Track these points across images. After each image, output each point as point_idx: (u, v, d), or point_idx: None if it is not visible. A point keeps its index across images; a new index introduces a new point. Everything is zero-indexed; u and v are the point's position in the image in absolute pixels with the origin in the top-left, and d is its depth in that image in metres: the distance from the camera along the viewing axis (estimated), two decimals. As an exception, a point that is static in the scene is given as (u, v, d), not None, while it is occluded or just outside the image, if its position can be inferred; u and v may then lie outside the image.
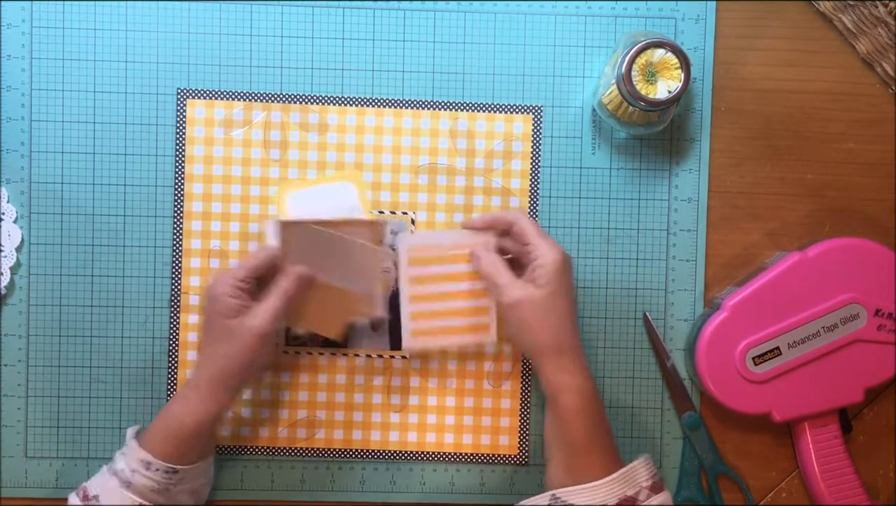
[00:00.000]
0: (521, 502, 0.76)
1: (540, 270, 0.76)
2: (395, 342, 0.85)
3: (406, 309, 0.82)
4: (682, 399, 0.86)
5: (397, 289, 0.84)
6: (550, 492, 0.74)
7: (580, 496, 0.73)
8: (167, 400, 0.85)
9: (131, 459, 0.75)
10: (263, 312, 0.76)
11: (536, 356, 0.77)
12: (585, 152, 0.86)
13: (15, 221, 0.84)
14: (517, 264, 0.80)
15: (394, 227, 0.85)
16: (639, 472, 0.74)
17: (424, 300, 0.82)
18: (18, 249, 0.84)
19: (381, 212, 0.85)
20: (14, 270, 0.84)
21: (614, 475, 0.73)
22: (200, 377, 0.77)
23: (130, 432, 0.78)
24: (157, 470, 0.75)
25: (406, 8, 0.85)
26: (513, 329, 0.78)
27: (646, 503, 0.73)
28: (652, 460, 0.76)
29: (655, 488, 0.74)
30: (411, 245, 0.82)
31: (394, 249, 0.85)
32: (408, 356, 0.85)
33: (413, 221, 0.85)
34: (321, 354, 0.85)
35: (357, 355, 0.85)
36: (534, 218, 0.86)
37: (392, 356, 0.85)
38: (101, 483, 0.75)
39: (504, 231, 0.81)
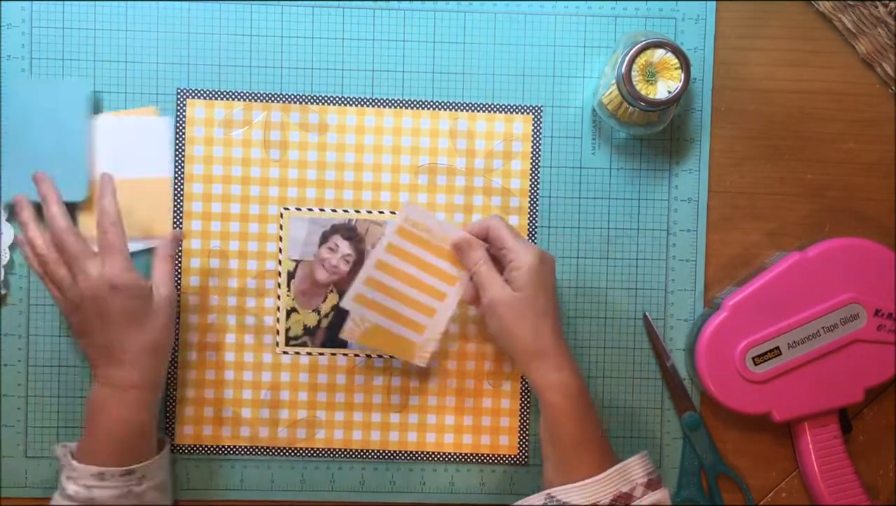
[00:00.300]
0: (517, 503, 0.76)
1: (515, 272, 0.76)
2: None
3: (366, 272, 0.80)
4: (682, 399, 0.86)
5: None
6: (545, 492, 0.74)
7: (573, 495, 0.73)
8: (167, 400, 0.85)
9: (81, 478, 0.74)
10: (165, 280, 0.78)
11: (517, 357, 0.77)
12: (585, 152, 0.86)
13: (8, 220, 0.84)
14: (500, 270, 0.79)
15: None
16: (633, 469, 0.74)
17: (388, 274, 0.81)
18: (12, 248, 0.84)
19: (382, 212, 0.85)
20: (8, 268, 0.84)
21: (607, 472, 0.73)
22: (136, 375, 0.75)
23: (62, 452, 0.77)
24: (113, 476, 0.75)
25: (406, 8, 0.85)
26: (493, 330, 0.78)
27: (640, 501, 0.73)
28: (649, 457, 0.76)
29: (652, 485, 0.74)
30: (408, 216, 0.80)
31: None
32: (345, 307, 0.82)
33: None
34: (321, 354, 0.85)
35: (357, 355, 0.85)
36: (534, 218, 0.86)
37: (392, 356, 0.85)
38: None
39: (483, 238, 0.80)
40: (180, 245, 0.83)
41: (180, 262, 0.85)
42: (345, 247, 0.85)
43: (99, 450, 0.75)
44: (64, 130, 0.82)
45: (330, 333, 0.85)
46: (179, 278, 0.85)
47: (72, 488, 0.75)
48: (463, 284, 0.81)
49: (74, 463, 0.75)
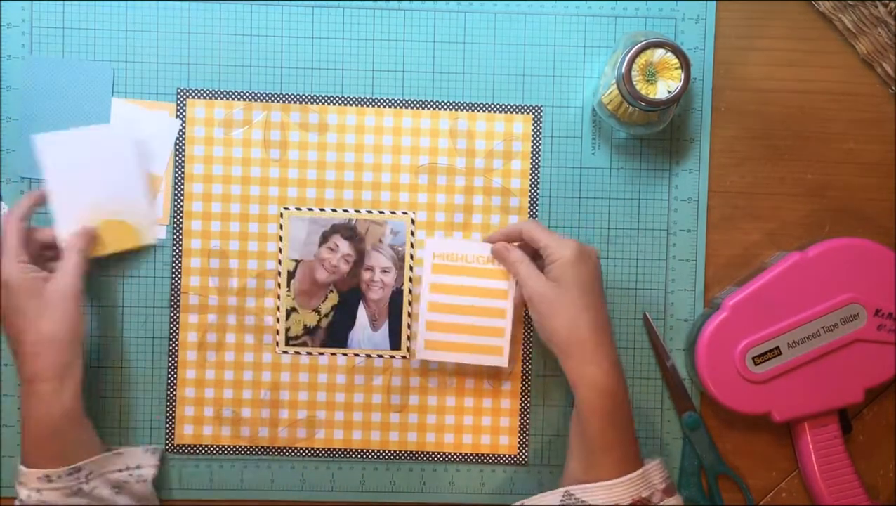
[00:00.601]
0: (531, 499, 0.75)
1: (552, 266, 0.76)
2: (395, 342, 0.85)
3: (423, 317, 0.82)
4: (682, 399, 0.86)
5: (398, 289, 0.84)
6: (563, 488, 0.74)
7: (595, 495, 0.72)
8: (167, 400, 0.85)
9: (30, 482, 0.75)
10: (71, 271, 0.78)
11: (555, 350, 0.76)
12: (585, 152, 0.86)
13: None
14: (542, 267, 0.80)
15: (394, 226, 0.85)
16: (654, 474, 0.74)
17: (442, 311, 0.82)
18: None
19: (382, 212, 0.85)
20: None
21: (632, 476, 0.72)
22: (38, 367, 0.75)
23: (18, 460, 0.78)
24: (60, 477, 0.75)
25: (406, 8, 0.85)
26: (535, 324, 0.78)
27: (660, 504, 0.73)
28: (665, 463, 0.76)
29: (668, 491, 0.74)
30: (436, 251, 0.82)
31: (395, 250, 0.85)
32: (417, 365, 0.85)
33: (413, 221, 0.85)
34: (321, 354, 0.85)
35: (357, 355, 0.85)
36: (534, 218, 0.86)
37: (392, 356, 0.85)
38: None
39: (518, 240, 0.81)
40: (90, 240, 0.81)
41: (180, 261, 0.85)
42: (345, 247, 0.85)
43: (36, 451, 0.75)
44: (88, 109, 0.83)
45: (330, 333, 0.85)
46: (179, 278, 0.85)
47: (23, 492, 0.75)
48: (514, 289, 0.82)
49: (22, 468, 0.75)
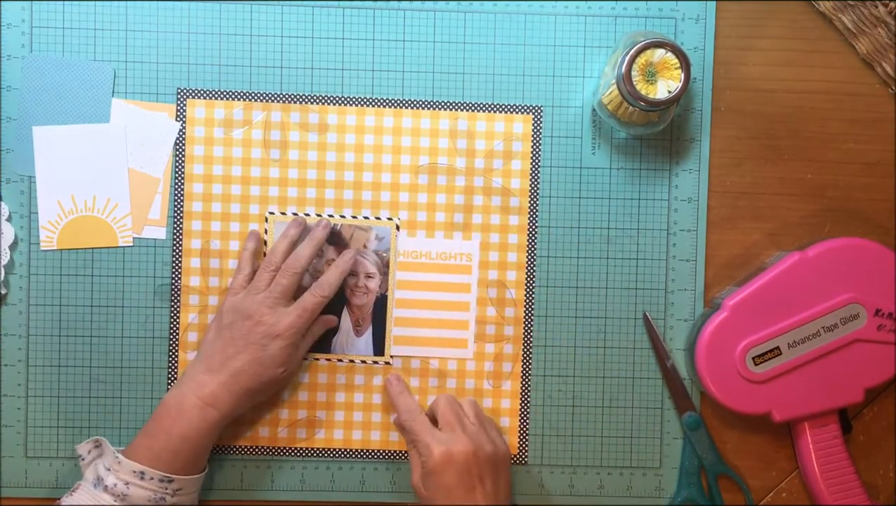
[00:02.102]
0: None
1: (422, 466, 0.78)
2: (379, 348, 0.85)
3: (391, 314, 0.84)
4: (682, 399, 0.86)
5: (382, 295, 0.85)
6: None
7: None
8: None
9: (124, 473, 0.75)
10: (303, 354, 0.83)
11: None
12: (585, 152, 0.86)
13: (8, 220, 0.84)
14: None
15: (379, 232, 0.85)
16: None
17: (408, 307, 0.84)
18: (12, 248, 0.84)
19: (367, 217, 0.85)
20: (8, 268, 0.84)
21: None
22: (228, 397, 0.77)
23: (96, 445, 0.79)
24: (153, 479, 0.75)
25: (406, 8, 0.85)
26: None
27: None
28: None
29: None
30: (400, 249, 0.83)
31: (379, 256, 0.85)
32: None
33: (398, 227, 0.85)
34: (316, 359, 0.85)
35: (340, 361, 0.85)
36: (534, 218, 0.86)
37: (375, 362, 0.85)
38: (89, 499, 0.75)
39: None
40: (326, 329, 0.85)
41: (180, 262, 0.85)
42: (330, 252, 0.85)
43: (155, 449, 0.76)
44: (88, 109, 0.84)
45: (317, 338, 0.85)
46: (179, 278, 0.85)
47: (111, 479, 0.75)
48: (476, 284, 0.84)
49: (120, 456, 0.76)
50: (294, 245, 0.82)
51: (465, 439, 0.77)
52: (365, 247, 0.85)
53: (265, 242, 0.85)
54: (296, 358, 0.81)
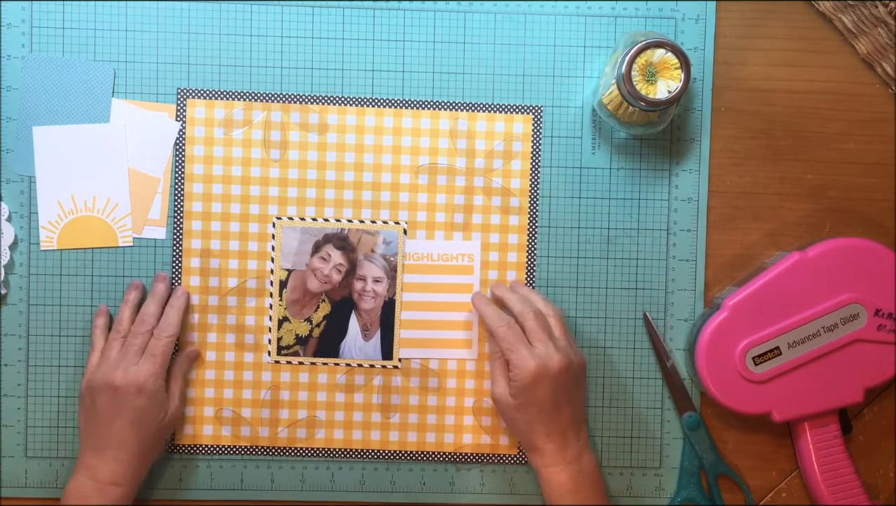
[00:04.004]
0: None
1: (512, 383, 0.79)
2: (387, 352, 0.85)
3: (399, 317, 0.84)
4: (682, 399, 0.86)
5: (390, 300, 0.85)
6: None
7: None
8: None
9: None
10: (177, 396, 0.82)
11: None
12: (585, 152, 0.86)
13: (8, 220, 0.84)
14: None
15: (387, 236, 0.85)
16: None
17: (413, 309, 0.84)
18: (12, 248, 0.84)
19: (374, 221, 0.85)
20: (8, 268, 0.84)
21: None
22: (118, 468, 0.77)
23: None
24: None
25: (406, 8, 0.85)
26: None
27: None
28: None
29: None
30: (407, 253, 0.83)
31: (387, 259, 0.85)
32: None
33: (405, 232, 0.85)
34: (312, 363, 0.85)
35: (348, 365, 0.85)
36: (534, 218, 0.86)
37: (384, 366, 0.85)
38: None
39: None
40: (193, 362, 0.85)
41: (180, 262, 0.85)
42: (337, 256, 0.85)
43: None
44: (88, 109, 0.84)
45: (321, 343, 0.85)
46: (179, 278, 0.85)
47: None
48: (478, 283, 0.85)
49: None
50: (136, 308, 0.82)
51: (559, 354, 0.78)
52: (372, 251, 0.85)
53: (272, 248, 0.85)
54: (172, 402, 0.81)
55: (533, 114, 0.86)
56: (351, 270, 0.85)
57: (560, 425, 0.79)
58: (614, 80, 0.80)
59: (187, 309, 0.84)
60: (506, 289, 0.84)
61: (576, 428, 0.80)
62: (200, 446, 0.85)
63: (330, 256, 0.85)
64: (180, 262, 0.85)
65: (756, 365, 0.81)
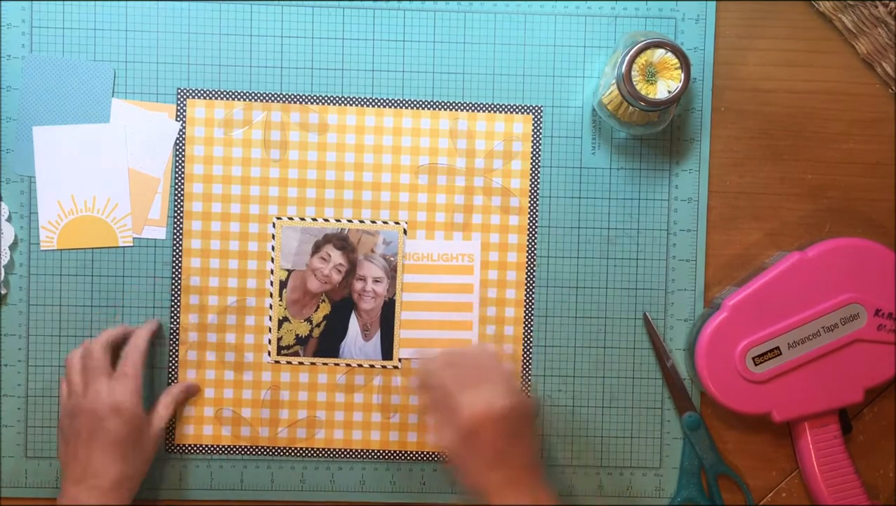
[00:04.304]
0: None
1: (453, 425, 0.74)
2: (387, 352, 0.85)
3: (399, 317, 0.84)
4: (682, 399, 0.86)
5: (390, 300, 0.85)
6: None
7: None
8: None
9: None
10: (162, 418, 0.81)
11: None
12: (585, 152, 0.86)
13: (8, 220, 0.84)
14: None
15: (387, 236, 0.85)
16: None
17: (414, 308, 0.84)
18: (12, 248, 0.84)
19: (374, 222, 0.85)
20: (8, 268, 0.84)
21: None
22: (98, 497, 0.76)
23: None
24: None
25: (406, 8, 0.85)
26: None
27: None
28: None
29: None
30: (407, 253, 0.83)
31: (387, 259, 0.85)
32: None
33: (405, 232, 0.85)
34: (312, 363, 0.85)
35: (348, 365, 0.85)
36: (534, 218, 0.86)
37: (384, 366, 0.85)
38: None
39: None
40: (189, 396, 0.85)
41: (180, 261, 0.85)
42: (337, 256, 0.85)
43: None
44: (88, 109, 0.84)
45: (321, 343, 0.85)
46: (179, 278, 0.85)
47: None
48: (478, 284, 0.85)
49: None
50: (109, 343, 0.81)
51: (502, 397, 0.74)
52: (372, 251, 0.85)
53: (272, 248, 0.85)
54: (154, 426, 0.80)
55: (533, 114, 0.86)
56: (351, 270, 0.85)
57: (514, 469, 0.74)
58: (614, 80, 0.80)
59: (186, 309, 0.84)
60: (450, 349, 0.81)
61: (531, 472, 0.75)
62: (200, 446, 0.85)
63: (330, 256, 0.85)
64: (180, 262, 0.85)
65: (756, 365, 0.81)
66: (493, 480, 0.73)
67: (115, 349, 0.82)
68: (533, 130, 0.86)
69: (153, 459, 0.81)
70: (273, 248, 0.85)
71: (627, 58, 0.77)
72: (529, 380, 0.86)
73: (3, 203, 0.84)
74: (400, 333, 0.85)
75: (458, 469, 0.75)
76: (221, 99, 0.85)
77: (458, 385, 0.75)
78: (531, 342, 0.86)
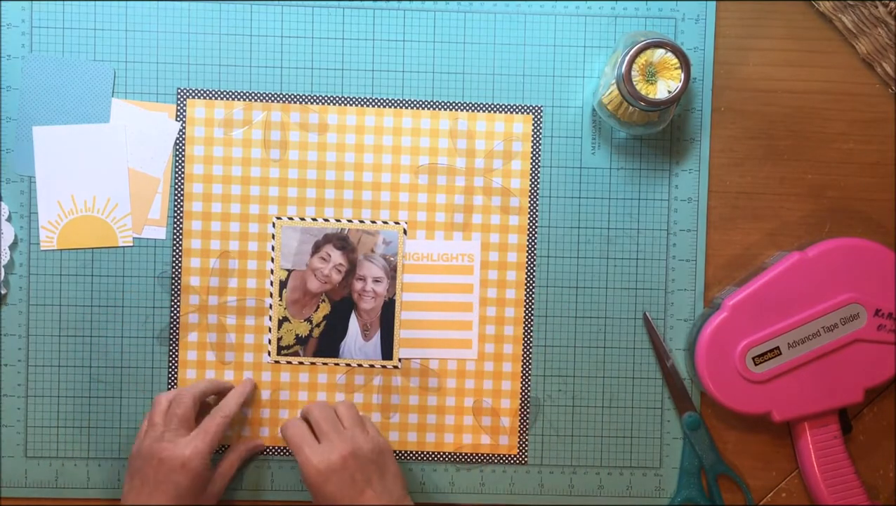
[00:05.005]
0: None
1: (304, 480, 0.77)
2: (387, 352, 0.85)
3: (399, 317, 0.84)
4: (682, 399, 0.86)
5: (390, 300, 0.85)
6: None
7: None
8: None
9: None
10: (226, 477, 0.81)
11: None
12: (585, 152, 0.86)
13: (8, 220, 0.84)
14: None
15: (386, 236, 0.85)
16: None
17: (414, 309, 0.84)
18: (12, 248, 0.84)
19: (374, 222, 0.85)
20: (8, 268, 0.84)
21: None
22: None
23: None
24: None
25: (406, 8, 0.85)
26: None
27: None
28: None
29: None
30: (407, 253, 0.83)
31: (387, 259, 0.85)
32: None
33: (405, 232, 0.85)
34: (312, 363, 0.85)
35: (348, 365, 0.85)
36: (534, 218, 0.86)
37: (384, 366, 0.85)
38: None
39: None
40: (253, 455, 0.85)
41: (180, 261, 0.85)
42: (337, 256, 0.85)
43: None
44: (88, 109, 0.84)
45: (321, 343, 0.85)
46: (179, 278, 0.85)
47: None
48: (478, 284, 0.85)
49: None
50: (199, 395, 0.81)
51: (340, 444, 0.77)
52: (372, 251, 0.85)
53: (272, 248, 0.85)
54: (216, 485, 0.80)
55: (533, 114, 0.86)
56: (351, 270, 0.85)
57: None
58: (614, 80, 0.80)
59: (186, 309, 0.85)
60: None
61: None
62: (200, 446, 0.85)
63: (330, 256, 0.85)
64: (180, 262, 0.85)
65: (756, 365, 0.81)
66: None
67: (205, 403, 0.82)
68: (533, 130, 0.86)
69: None
70: (273, 248, 0.85)
71: (627, 58, 0.77)
72: (529, 381, 0.86)
73: (3, 203, 0.84)
74: (400, 333, 0.85)
75: None
76: (221, 99, 0.85)
77: (300, 440, 0.78)
78: (531, 342, 0.86)
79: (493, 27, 0.86)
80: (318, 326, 0.85)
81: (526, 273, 0.86)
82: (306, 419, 0.81)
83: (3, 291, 0.84)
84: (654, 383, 0.87)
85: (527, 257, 0.86)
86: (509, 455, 0.86)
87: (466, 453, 0.86)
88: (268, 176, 0.85)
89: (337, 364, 0.85)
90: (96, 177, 0.84)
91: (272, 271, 0.85)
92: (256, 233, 0.85)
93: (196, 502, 0.77)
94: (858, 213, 0.87)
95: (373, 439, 0.79)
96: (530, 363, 0.86)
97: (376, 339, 0.85)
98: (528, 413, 0.86)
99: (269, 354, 0.85)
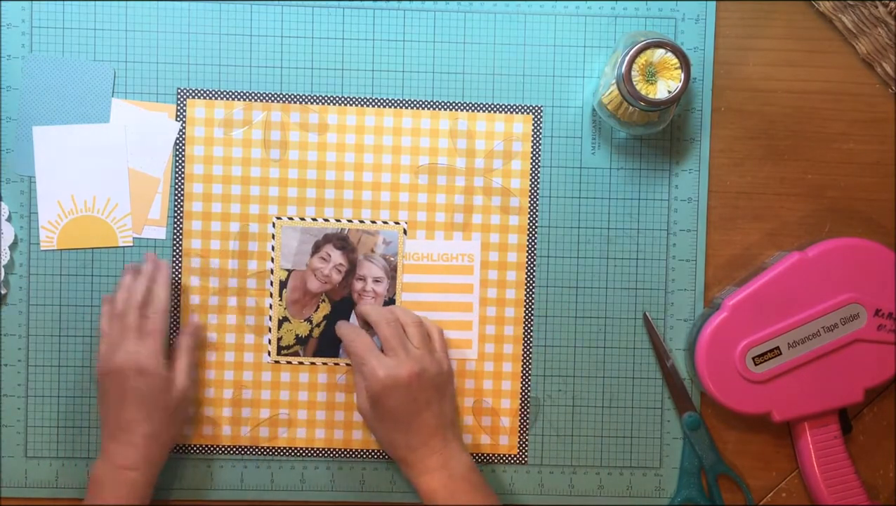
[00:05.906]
0: None
1: (367, 390, 0.79)
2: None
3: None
4: (682, 399, 0.86)
5: (390, 300, 0.85)
6: None
7: None
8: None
9: None
10: (184, 373, 0.80)
11: None
12: (585, 152, 0.86)
13: (8, 220, 0.84)
14: None
15: (386, 236, 0.85)
16: None
17: (414, 309, 0.84)
18: (12, 248, 0.84)
19: (374, 222, 0.85)
20: (8, 268, 0.84)
21: None
22: (132, 453, 0.77)
23: None
24: None
25: (406, 8, 0.85)
26: None
27: None
28: None
29: None
30: (407, 253, 0.83)
31: (387, 259, 0.85)
32: None
33: (405, 232, 0.85)
34: (312, 363, 0.85)
35: (349, 365, 0.85)
36: (534, 218, 0.86)
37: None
38: None
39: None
40: (197, 337, 0.84)
41: (180, 262, 0.85)
42: (337, 256, 0.85)
43: None
44: (88, 109, 0.84)
45: (321, 343, 0.85)
46: (179, 278, 0.85)
47: None
48: (478, 284, 0.85)
49: None
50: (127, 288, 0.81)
51: (409, 362, 0.78)
52: (372, 251, 0.85)
53: (272, 248, 0.85)
54: (178, 380, 0.80)
55: (533, 114, 0.86)
56: (351, 270, 0.85)
57: (420, 434, 0.78)
58: (614, 80, 0.80)
59: (186, 309, 0.85)
60: (370, 305, 0.84)
61: (441, 435, 0.79)
62: (200, 445, 0.85)
63: (330, 256, 0.85)
64: (180, 262, 0.85)
65: (756, 365, 0.81)
66: (401, 443, 0.79)
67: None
68: (533, 130, 0.86)
69: (185, 416, 0.82)
70: (273, 248, 0.85)
71: (627, 58, 0.77)
72: (529, 381, 0.86)
73: (3, 203, 0.84)
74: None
75: (373, 433, 0.81)
76: (221, 99, 0.85)
77: (367, 351, 0.79)
78: (531, 342, 0.86)
79: (493, 27, 0.86)
80: (318, 326, 0.85)
81: (526, 273, 0.86)
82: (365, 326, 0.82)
83: (3, 291, 0.84)
84: (654, 383, 0.87)
85: (527, 257, 0.86)
86: (509, 455, 0.86)
87: (466, 453, 0.86)
88: (268, 176, 0.85)
89: (337, 364, 0.85)
90: (96, 177, 0.84)
91: (272, 271, 0.85)
92: (256, 233, 0.85)
93: (160, 405, 0.78)
94: (858, 213, 0.87)
95: (439, 362, 0.81)
96: (530, 363, 0.86)
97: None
98: (528, 413, 0.86)
99: (269, 354, 0.85)
